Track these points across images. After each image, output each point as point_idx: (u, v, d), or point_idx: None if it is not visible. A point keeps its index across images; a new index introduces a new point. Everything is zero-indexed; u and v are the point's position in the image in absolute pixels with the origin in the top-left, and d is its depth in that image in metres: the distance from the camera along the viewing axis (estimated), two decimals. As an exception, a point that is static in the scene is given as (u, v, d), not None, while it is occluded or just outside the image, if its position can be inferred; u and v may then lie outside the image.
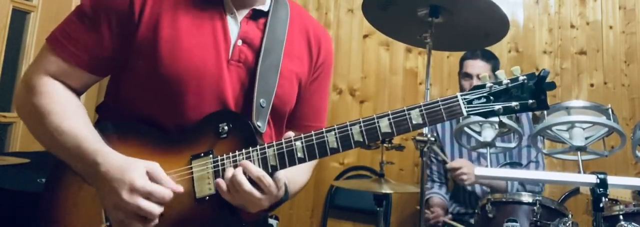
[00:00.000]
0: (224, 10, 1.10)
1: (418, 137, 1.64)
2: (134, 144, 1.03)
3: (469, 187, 2.46)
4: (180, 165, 1.02)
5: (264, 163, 0.98)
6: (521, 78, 0.94)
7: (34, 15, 2.70)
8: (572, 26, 3.09)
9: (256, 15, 1.13)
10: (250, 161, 0.98)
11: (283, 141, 0.99)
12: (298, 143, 0.98)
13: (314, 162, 1.19)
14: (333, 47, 1.30)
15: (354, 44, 3.30)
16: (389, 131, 0.95)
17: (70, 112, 1.04)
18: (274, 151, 0.98)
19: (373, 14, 1.94)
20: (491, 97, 0.95)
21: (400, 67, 3.21)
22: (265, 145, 0.99)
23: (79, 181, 1.03)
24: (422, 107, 0.95)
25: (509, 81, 0.95)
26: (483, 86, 0.96)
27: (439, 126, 2.64)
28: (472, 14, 1.80)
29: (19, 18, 2.65)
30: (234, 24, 1.10)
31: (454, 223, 2.26)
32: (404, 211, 3.04)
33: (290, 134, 1.00)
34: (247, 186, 0.95)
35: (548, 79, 0.94)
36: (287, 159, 0.98)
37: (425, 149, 1.64)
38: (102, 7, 1.05)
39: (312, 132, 0.98)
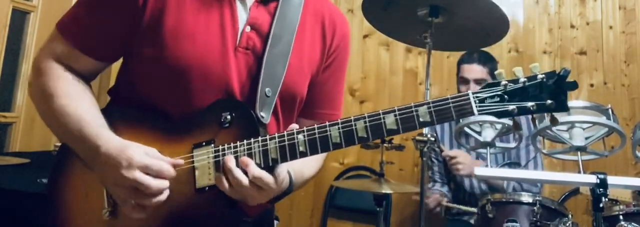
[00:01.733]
0: None
1: (418, 137, 1.64)
2: (138, 131, 1.04)
3: (467, 188, 2.47)
4: (181, 153, 1.01)
5: (265, 155, 0.95)
6: (540, 76, 0.87)
7: (34, 15, 2.70)
8: (572, 26, 3.09)
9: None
10: (251, 152, 0.96)
11: (285, 133, 0.95)
12: (300, 136, 0.94)
13: (323, 154, 1.15)
14: (350, 31, 1.24)
15: (354, 44, 3.30)
16: (395, 128, 0.90)
17: (74, 94, 1.04)
18: (276, 144, 0.94)
19: (373, 14, 1.94)
20: (506, 96, 0.88)
21: (400, 67, 3.21)
22: (267, 137, 0.96)
23: (81, 167, 1.04)
24: (431, 105, 0.89)
25: (526, 79, 0.87)
26: (498, 84, 0.89)
27: (438, 125, 2.65)
28: (472, 14, 1.81)
29: (19, 18, 2.65)
30: (243, 10, 1.07)
31: (453, 205, 2.27)
32: (404, 211, 3.04)
33: (294, 126, 0.98)
34: (245, 182, 0.93)
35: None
36: (289, 152, 0.94)
37: (425, 149, 1.64)
38: None
39: (315, 126, 0.94)
